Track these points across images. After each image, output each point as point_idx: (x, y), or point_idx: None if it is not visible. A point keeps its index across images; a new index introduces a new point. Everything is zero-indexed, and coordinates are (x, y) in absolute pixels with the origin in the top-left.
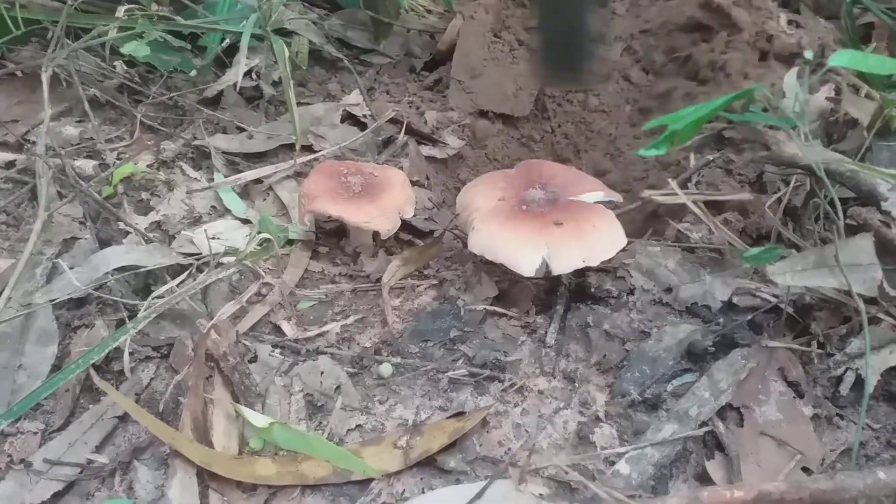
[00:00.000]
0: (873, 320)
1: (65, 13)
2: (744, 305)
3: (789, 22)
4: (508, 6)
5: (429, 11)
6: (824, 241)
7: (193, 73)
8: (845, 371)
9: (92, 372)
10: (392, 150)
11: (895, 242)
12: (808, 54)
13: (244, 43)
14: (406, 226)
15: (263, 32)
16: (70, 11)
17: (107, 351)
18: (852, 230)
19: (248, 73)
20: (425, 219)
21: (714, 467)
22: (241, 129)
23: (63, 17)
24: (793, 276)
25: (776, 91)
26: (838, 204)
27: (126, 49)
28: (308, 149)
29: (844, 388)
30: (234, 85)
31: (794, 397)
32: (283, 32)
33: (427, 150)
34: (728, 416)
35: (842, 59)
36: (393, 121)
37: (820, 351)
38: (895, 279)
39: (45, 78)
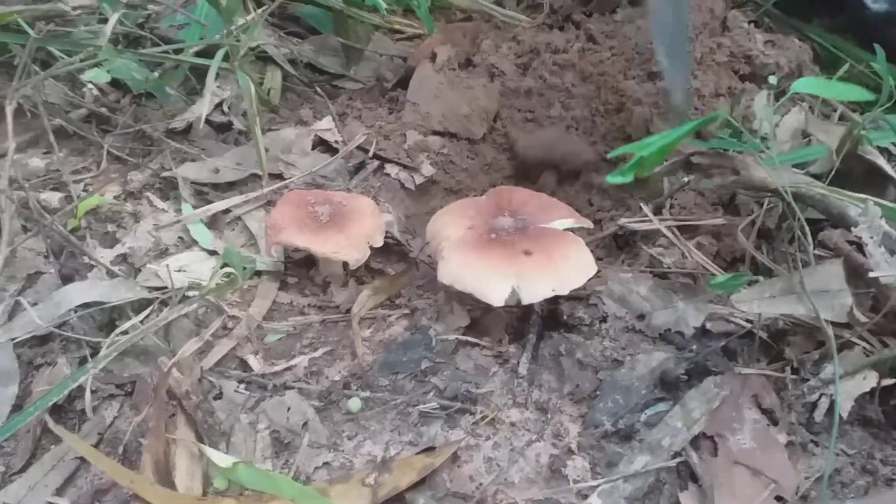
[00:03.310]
0: (846, 345)
1: (31, 44)
2: (717, 331)
3: (766, 42)
4: (484, 29)
5: (401, 33)
6: (804, 263)
7: (171, 92)
8: (819, 397)
9: (47, 417)
10: (363, 175)
11: (865, 267)
12: (773, 80)
13: (210, 80)
14: (377, 254)
15: (231, 68)
16: (36, 41)
17: (68, 391)
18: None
19: (218, 105)
20: (396, 247)
21: (688, 499)
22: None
23: (29, 47)
24: (760, 303)
25: (749, 113)
26: (807, 229)
27: (87, 76)
28: (278, 176)
29: (819, 415)
30: (204, 118)
31: (767, 425)
32: (256, 57)
33: (399, 175)
34: (702, 445)
35: (805, 85)
36: (363, 147)
37: (794, 377)
38: (866, 303)
39: (9, 110)
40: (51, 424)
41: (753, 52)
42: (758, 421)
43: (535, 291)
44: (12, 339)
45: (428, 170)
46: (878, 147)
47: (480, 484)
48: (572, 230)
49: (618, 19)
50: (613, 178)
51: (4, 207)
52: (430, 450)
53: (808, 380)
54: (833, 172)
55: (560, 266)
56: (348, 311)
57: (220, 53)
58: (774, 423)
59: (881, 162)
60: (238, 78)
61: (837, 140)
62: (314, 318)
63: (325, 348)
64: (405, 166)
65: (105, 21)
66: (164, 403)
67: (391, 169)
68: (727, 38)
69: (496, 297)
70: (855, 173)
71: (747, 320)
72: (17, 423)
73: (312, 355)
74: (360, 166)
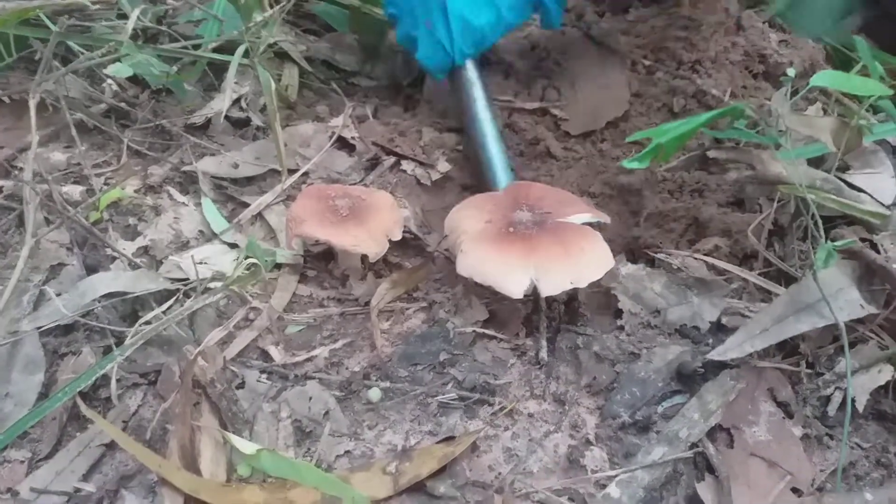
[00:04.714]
0: (861, 339)
1: (53, 39)
2: (732, 326)
3: (780, 41)
4: None
5: None
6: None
7: (189, 88)
8: (834, 390)
9: (79, 400)
10: (379, 171)
11: (878, 262)
12: (791, 72)
13: (231, 76)
14: (395, 248)
15: (251, 64)
16: (58, 36)
17: (94, 378)
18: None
19: (236, 101)
20: (413, 241)
21: (704, 489)
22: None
23: (51, 44)
24: (752, 342)
25: (762, 111)
26: (821, 226)
27: (109, 70)
28: (296, 172)
29: (832, 408)
30: (222, 113)
31: (783, 418)
32: (274, 54)
33: (415, 171)
34: (718, 437)
35: (824, 79)
36: (380, 143)
37: (809, 371)
38: (880, 299)
39: (32, 105)
40: (83, 409)
41: (768, 51)
42: (773, 414)
43: (553, 284)
44: (38, 328)
45: (444, 166)
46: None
47: (499, 473)
48: (590, 224)
49: (630, 19)
50: (629, 164)
51: (28, 200)
52: (449, 439)
53: (822, 374)
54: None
55: (578, 259)
56: (367, 303)
57: (240, 49)
58: (790, 416)
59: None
60: (259, 74)
61: (827, 134)
62: (333, 311)
63: (345, 340)
64: (421, 163)
65: (123, 16)
66: (189, 391)
67: (407, 165)
68: (742, 37)
69: (515, 289)
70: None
71: None
72: (45, 409)
73: (332, 346)
74: (376, 162)
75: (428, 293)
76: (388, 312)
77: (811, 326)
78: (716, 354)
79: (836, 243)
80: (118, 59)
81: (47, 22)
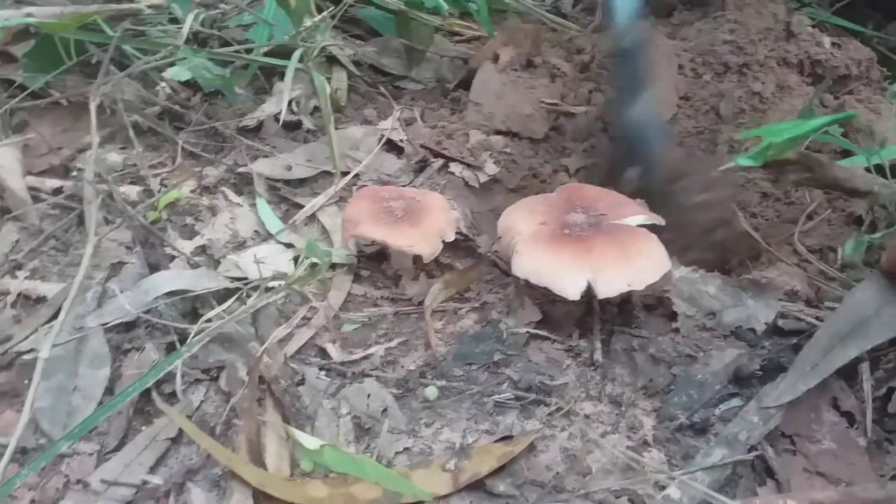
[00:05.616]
0: None
1: (113, 44)
2: (788, 329)
3: (832, 44)
4: (545, 32)
5: (460, 35)
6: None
7: (239, 91)
8: (889, 391)
9: (155, 395)
10: (428, 173)
11: None
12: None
13: (288, 79)
14: (446, 249)
15: (305, 68)
16: (118, 40)
17: (163, 373)
18: None
19: (287, 104)
20: (464, 242)
21: (765, 493)
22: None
23: (111, 48)
24: (805, 381)
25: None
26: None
27: (168, 74)
28: (347, 174)
29: (893, 406)
30: (275, 116)
31: (847, 427)
32: (323, 58)
33: (463, 174)
34: (779, 444)
35: None
36: (427, 146)
37: (867, 374)
38: None
39: (93, 107)
40: (158, 403)
41: (821, 55)
42: (837, 423)
43: (611, 286)
44: (102, 325)
45: (491, 168)
46: None
47: (557, 473)
48: (645, 226)
49: (675, 22)
50: (742, 161)
51: (90, 199)
52: (507, 438)
53: (875, 372)
54: None
55: (635, 261)
56: (420, 303)
57: (296, 54)
58: (852, 423)
59: None
60: (314, 78)
61: None
62: (387, 310)
63: (400, 339)
64: (469, 165)
65: (174, 20)
66: (255, 387)
67: (455, 167)
68: (793, 43)
69: (572, 290)
70: None
71: (818, 318)
72: (117, 403)
73: (388, 345)
74: (425, 164)
75: (480, 294)
76: (441, 312)
77: (860, 351)
78: (771, 401)
79: (872, 235)
80: (173, 63)
81: (104, 27)
